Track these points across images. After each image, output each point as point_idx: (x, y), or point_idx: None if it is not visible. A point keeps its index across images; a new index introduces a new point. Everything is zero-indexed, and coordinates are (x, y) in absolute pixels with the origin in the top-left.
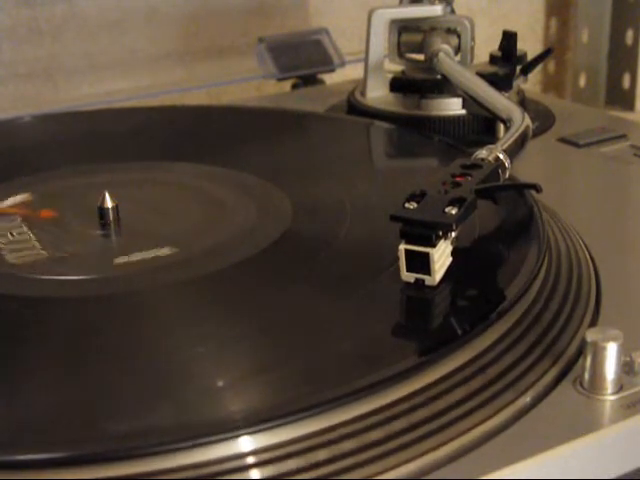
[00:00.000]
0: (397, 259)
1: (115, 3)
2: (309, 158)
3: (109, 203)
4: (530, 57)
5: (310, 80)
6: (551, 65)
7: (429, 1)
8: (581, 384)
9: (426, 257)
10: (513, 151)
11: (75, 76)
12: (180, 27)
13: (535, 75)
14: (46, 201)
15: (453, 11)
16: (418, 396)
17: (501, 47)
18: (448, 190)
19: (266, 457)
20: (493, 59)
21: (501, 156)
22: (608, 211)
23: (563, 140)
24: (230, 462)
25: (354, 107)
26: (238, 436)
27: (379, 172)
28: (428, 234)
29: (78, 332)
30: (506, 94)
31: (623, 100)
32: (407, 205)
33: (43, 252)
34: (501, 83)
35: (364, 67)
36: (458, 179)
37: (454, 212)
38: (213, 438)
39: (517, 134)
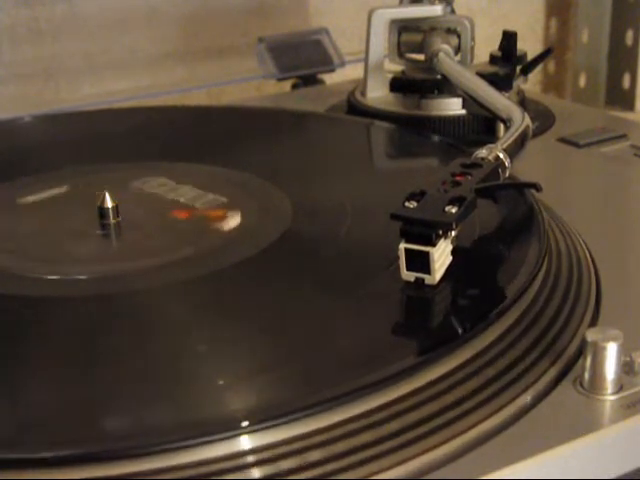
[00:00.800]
0: (397, 258)
1: (115, 3)
2: (309, 158)
3: (109, 203)
4: (530, 57)
5: (310, 80)
6: (551, 65)
7: (429, 1)
8: (581, 384)
9: (426, 256)
10: (513, 151)
11: (75, 76)
12: (180, 27)
13: (535, 75)
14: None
15: (453, 11)
16: (418, 395)
17: (501, 47)
18: (448, 189)
19: (264, 456)
20: (493, 59)
21: (501, 155)
22: (608, 211)
23: (563, 140)
24: (228, 461)
25: (354, 107)
26: (236, 435)
27: (379, 172)
28: (428, 233)
29: (78, 332)
30: (506, 94)
31: (623, 100)
32: (407, 204)
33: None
34: (501, 83)
35: (364, 67)
36: (458, 178)
37: (454, 211)
38: (212, 437)
39: (517, 134)
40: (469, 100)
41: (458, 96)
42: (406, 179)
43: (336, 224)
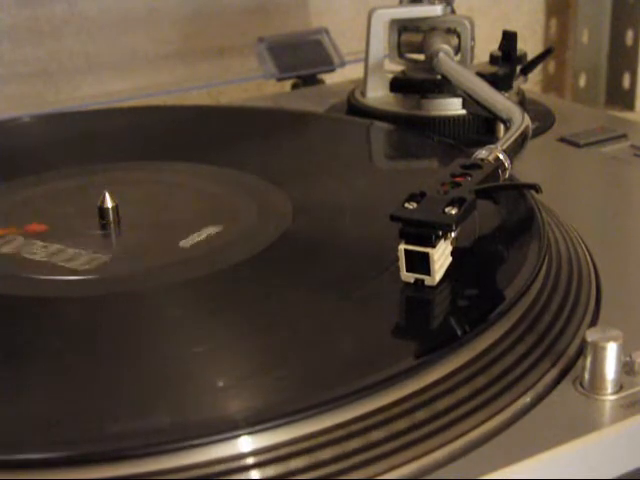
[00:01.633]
0: (397, 259)
1: (115, 3)
2: (309, 158)
3: (109, 203)
4: (530, 57)
5: (310, 80)
6: (551, 65)
7: (429, 1)
8: (581, 384)
9: (426, 257)
10: (513, 151)
11: (75, 76)
12: (180, 27)
13: (535, 75)
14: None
15: (453, 11)
16: (418, 396)
17: (501, 47)
18: (448, 190)
19: (266, 457)
20: (493, 59)
21: (501, 156)
22: (608, 211)
23: (563, 140)
24: (230, 462)
25: (354, 107)
26: (238, 436)
27: (379, 172)
28: (428, 234)
29: (78, 332)
30: (506, 94)
31: (623, 100)
32: (407, 205)
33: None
34: (501, 83)
35: (364, 67)
36: (458, 179)
37: (454, 212)
38: (214, 438)
39: (517, 134)
40: (469, 100)
41: (458, 96)
42: (406, 179)
43: (336, 224)
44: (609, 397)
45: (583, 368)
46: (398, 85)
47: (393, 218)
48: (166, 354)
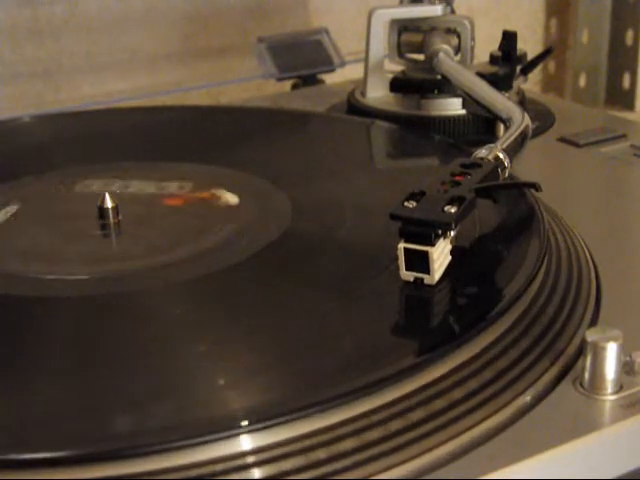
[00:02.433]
0: (396, 258)
1: (115, 3)
2: (309, 158)
3: (109, 203)
4: (530, 57)
5: (310, 80)
6: (551, 65)
7: (429, 1)
8: (581, 384)
9: (425, 256)
10: (513, 150)
11: (75, 76)
12: (180, 27)
13: (535, 75)
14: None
15: (453, 11)
16: (417, 395)
17: (501, 47)
18: (447, 189)
19: (265, 456)
20: (493, 59)
21: (501, 155)
22: (608, 211)
23: (563, 140)
24: (230, 461)
25: (354, 107)
26: (238, 435)
27: (379, 172)
28: (427, 233)
29: (78, 332)
30: (506, 94)
31: (623, 100)
32: (406, 204)
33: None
34: (501, 83)
35: (364, 67)
36: (457, 178)
37: (453, 211)
38: (213, 437)
39: (517, 133)
40: (469, 100)
41: (458, 96)
42: (406, 179)
43: (336, 224)
44: (609, 397)
45: (583, 368)
46: (398, 85)
47: (393, 217)
48: (166, 354)
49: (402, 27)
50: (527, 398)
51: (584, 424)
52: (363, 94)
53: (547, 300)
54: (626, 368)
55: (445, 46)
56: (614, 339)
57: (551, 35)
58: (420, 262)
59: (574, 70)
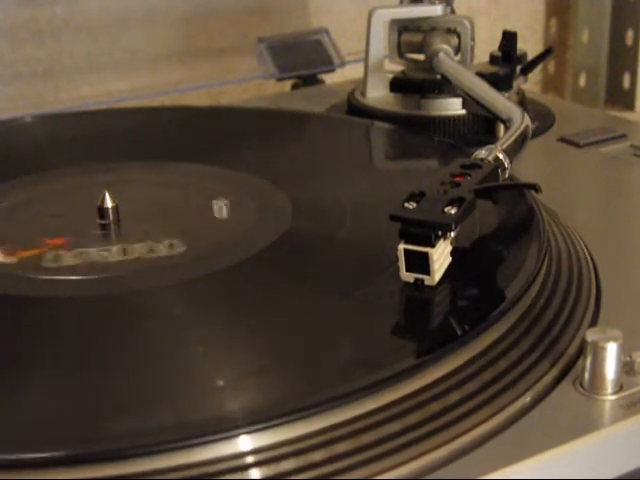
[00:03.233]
0: (396, 259)
1: (115, 3)
2: (309, 158)
3: (109, 203)
4: (530, 57)
5: (310, 80)
6: (551, 65)
7: (429, 1)
8: (581, 384)
9: (425, 257)
10: (513, 151)
11: (75, 76)
12: (180, 27)
13: (535, 75)
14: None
15: (453, 11)
16: (418, 396)
17: (501, 47)
18: (447, 190)
19: (264, 457)
20: (493, 59)
21: (500, 156)
22: (608, 211)
23: (563, 140)
24: (228, 462)
25: (354, 107)
26: (237, 436)
27: (379, 172)
28: (427, 234)
29: (78, 332)
30: (506, 94)
31: (623, 100)
32: (406, 205)
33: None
34: (501, 83)
35: (364, 67)
36: (457, 179)
37: (453, 212)
38: (211, 438)
39: (517, 134)
40: (469, 100)
41: (458, 96)
42: (406, 179)
43: (336, 224)
44: (609, 397)
45: (583, 368)
46: (398, 85)
47: (393, 218)
48: (166, 354)
49: (402, 27)
50: (527, 398)
51: (584, 424)
52: (363, 94)
53: (547, 301)
54: (626, 368)
55: (445, 46)
56: (614, 339)
57: (551, 35)
58: (420, 263)
59: (574, 70)
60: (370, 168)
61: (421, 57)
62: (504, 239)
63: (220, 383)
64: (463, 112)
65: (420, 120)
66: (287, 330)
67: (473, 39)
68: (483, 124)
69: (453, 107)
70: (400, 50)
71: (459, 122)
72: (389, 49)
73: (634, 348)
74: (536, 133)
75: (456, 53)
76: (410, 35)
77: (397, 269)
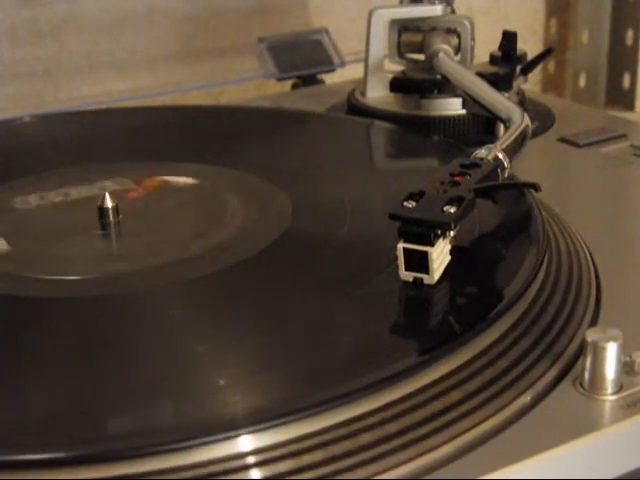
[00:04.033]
0: (396, 258)
1: (115, 3)
2: (309, 158)
3: (109, 203)
4: (530, 57)
5: (310, 80)
6: (551, 65)
7: (429, 1)
8: (581, 384)
9: (425, 256)
10: (512, 151)
11: (75, 76)
12: (180, 27)
13: (535, 75)
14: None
15: (453, 11)
16: (418, 396)
17: (501, 47)
18: (447, 189)
19: (263, 457)
20: (493, 59)
21: (500, 155)
22: (608, 211)
23: (563, 140)
24: (228, 462)
25: (354, 107)
26: (237, 436)
27: (379, 172)
28: (427, 233)
29: (78, 332)
30: (506, 94)
31: (623, 100)
32: (406, 204)
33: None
34: (501, 83)
35: (364, 67)
36: (457, 178)
37: (453, 211)
38: (211, 438)
39: (516, 133)
40: (469, 100)
41: (458, 96)
42: (406, 179)
43: (336, 224)
44: (609, 397)
45: (583, 368)
46: (398, 85)
47: (392, 217)
48: (166, 354)
49: (402, 27)
50: (527, 398)
51: (584, 424)
52: (363, 94)
53: (547, 300)
54: (626, 368)
55: (445, 46)
56: (614, 339)
57: (551, 35)
58: (419, 262)
59: (574, 70)
60: (370, 167)
61: (421, 57)
62: (504, 238)
63: (220, 383)
64: (463, 112)
65: (420, 120)
66: (287, 330)
67: (473, 39)
68: (483, 124)
69: (453, 107)
70: (400, 50)
71: (459, 122)
72: (389, 49)
73: (634, 348)
74: (536, 133)
75: (456, 53)
76: (410, 35)
77: (396, 268)
